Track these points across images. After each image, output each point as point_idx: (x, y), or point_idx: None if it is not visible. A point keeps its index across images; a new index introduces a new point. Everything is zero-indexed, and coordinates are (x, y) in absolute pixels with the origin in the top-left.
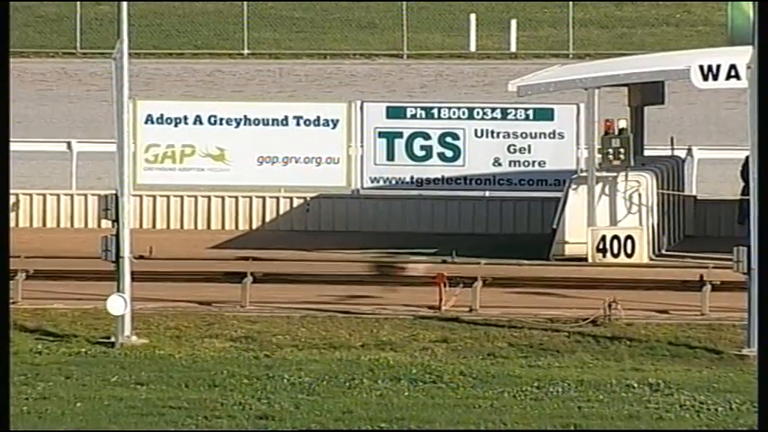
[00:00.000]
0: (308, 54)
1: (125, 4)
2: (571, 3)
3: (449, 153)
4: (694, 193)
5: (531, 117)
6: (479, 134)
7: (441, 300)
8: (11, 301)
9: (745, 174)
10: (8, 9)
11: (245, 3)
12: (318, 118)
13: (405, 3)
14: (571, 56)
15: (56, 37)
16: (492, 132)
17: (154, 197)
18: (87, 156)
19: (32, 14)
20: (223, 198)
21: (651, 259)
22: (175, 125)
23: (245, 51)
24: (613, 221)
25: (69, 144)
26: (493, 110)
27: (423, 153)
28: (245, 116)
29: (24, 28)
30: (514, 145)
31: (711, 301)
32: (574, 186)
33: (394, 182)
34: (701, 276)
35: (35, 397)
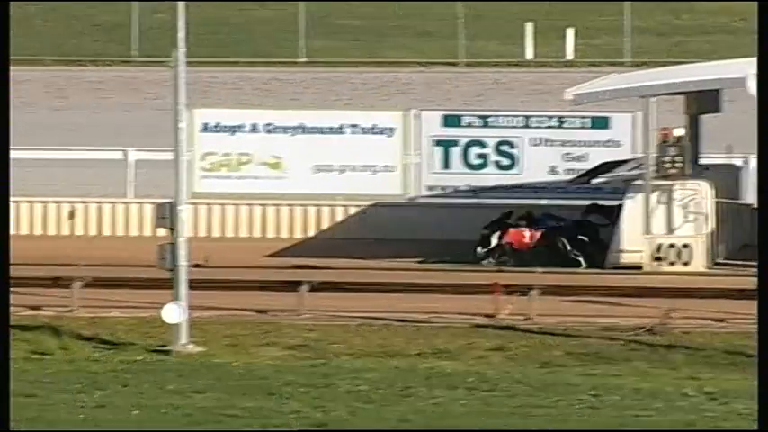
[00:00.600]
0: (365, 62)
1: (182, 8)
2: (628, 9)
3: (505, 161)
4: (751, 201)
5: (587, 125)
6: (535, 142)
7: (497, 308)
8: (67, 309)
9: None
10: (8, 9)
11: (302, 8)
12: (374, 126)
13: (461, 5)
14: (627, 64)
15: (113, 45)
16: (548, 141)
17: (209, 205)
18: (144, 164)
19: (89, 22)
20: (278, 206)
21: (708, 268)
22: (232, 133)
23: (302, 59)
24: (670, 230)
25: (125, 152)
26: (549, 118)
27: (479, 161)
28: (301, 124)
29: (81, 36)
30: (570, 153)
31: None
32: (630, 195)
33: (450, 190)
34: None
35: (91, 405)
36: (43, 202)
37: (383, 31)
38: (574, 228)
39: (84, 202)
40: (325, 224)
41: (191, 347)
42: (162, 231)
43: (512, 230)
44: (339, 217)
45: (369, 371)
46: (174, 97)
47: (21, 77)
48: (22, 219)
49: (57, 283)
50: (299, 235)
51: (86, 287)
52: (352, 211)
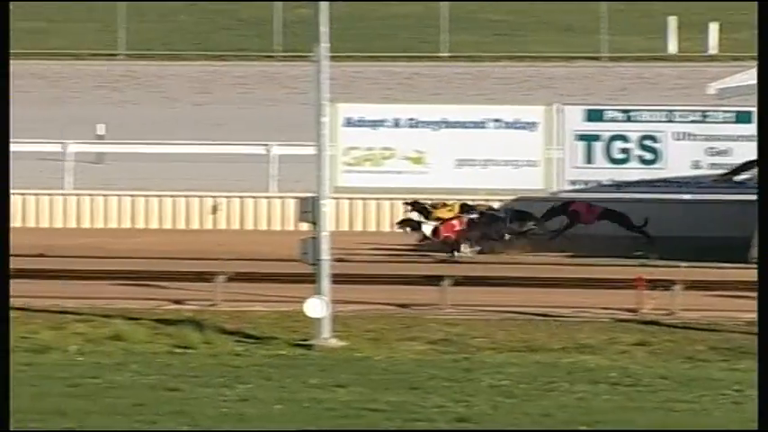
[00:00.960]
0: (508, 57)
1: (325, 6)
2: None
3: (648, 156)
4: None
5: (730, 120)
6: (678, 137)
7: (640, 303)
8: (210, 303)
9: None
10: (8, 9)
11: (445, 3)
12: (517, 121)
13: (605, 4)
14: None
15: (256, 40)
16: (691, 135)
17: (351, 200)
18: (286, 158)
19: (233, 17)
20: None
21: None
22: (374, 128)
23: (445, 54)
24: None
25: (268, 147)
26: (692, 112)
27: (622, 156)
28: (443, 119)
29: (224, 31)
30: (714, 148)
31: None
32: None
33: (593, 184)
34: None
35: (234, 399)
36: (186, 196)
37: (526, 25)
38: (505, 220)
39: (227, 197)
40: None
41: (333, 342)
42: (304, 226)
43: (443, 226)
44: None
45: (511, 365)
46: (317, 92)
47: (164, 72)
48: (166, 213)
49: (200, 277)
50: None
51: (229, 281)
52: (495, 205)
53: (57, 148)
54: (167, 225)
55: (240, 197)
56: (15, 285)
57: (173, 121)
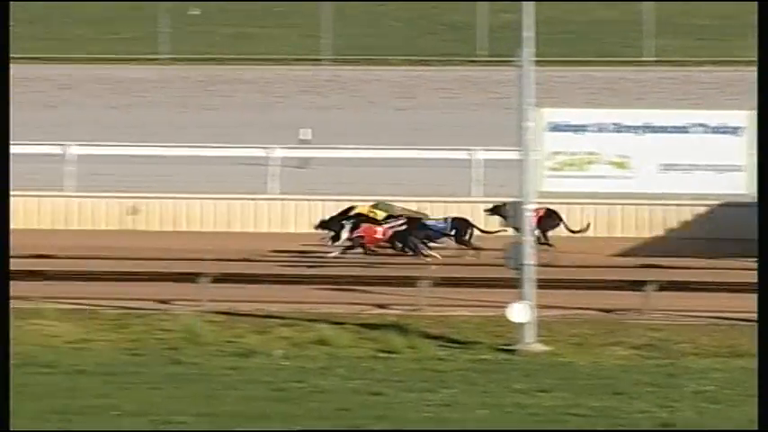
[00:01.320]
0: (712, 61)
1: (529, 10)
2: None
3: None
4: None
5: None
6: None
7: None
8: (414, 308)
9: None
10: (8, 9)
11: (650, 7)
12: (722, 125)
13: None
14: None
15: (459, 44)
16: None
17: (556, 205)
18: (490, 163)
19: (437, 22)
20: (624, 206)
21: None
22: (579, 133)
23: (649, 59)
24: None
25: (471, 152)
26: None
27: None
28: (647, 124)
29: (428, 36)
30: None
31: None
32: None
33: None
34: None
35: (437, 403)
36: (390, 201)
37: (731, 29)
38: (428, 227)
39: (430, 202)
40: (672, 224)
41: (537, 346)
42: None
43: (364, 225)
44: (686, 216)
45: (715, 371)
46: (521, 96)
47: (368, 77)
48: None
49: (404, 281)
50: (645, 234)
51: (434, 286)
52: (700, 210)
53: (261, 152)
54: None
55: (444, 202)
56: (221, 290)
57: (376, 125)
